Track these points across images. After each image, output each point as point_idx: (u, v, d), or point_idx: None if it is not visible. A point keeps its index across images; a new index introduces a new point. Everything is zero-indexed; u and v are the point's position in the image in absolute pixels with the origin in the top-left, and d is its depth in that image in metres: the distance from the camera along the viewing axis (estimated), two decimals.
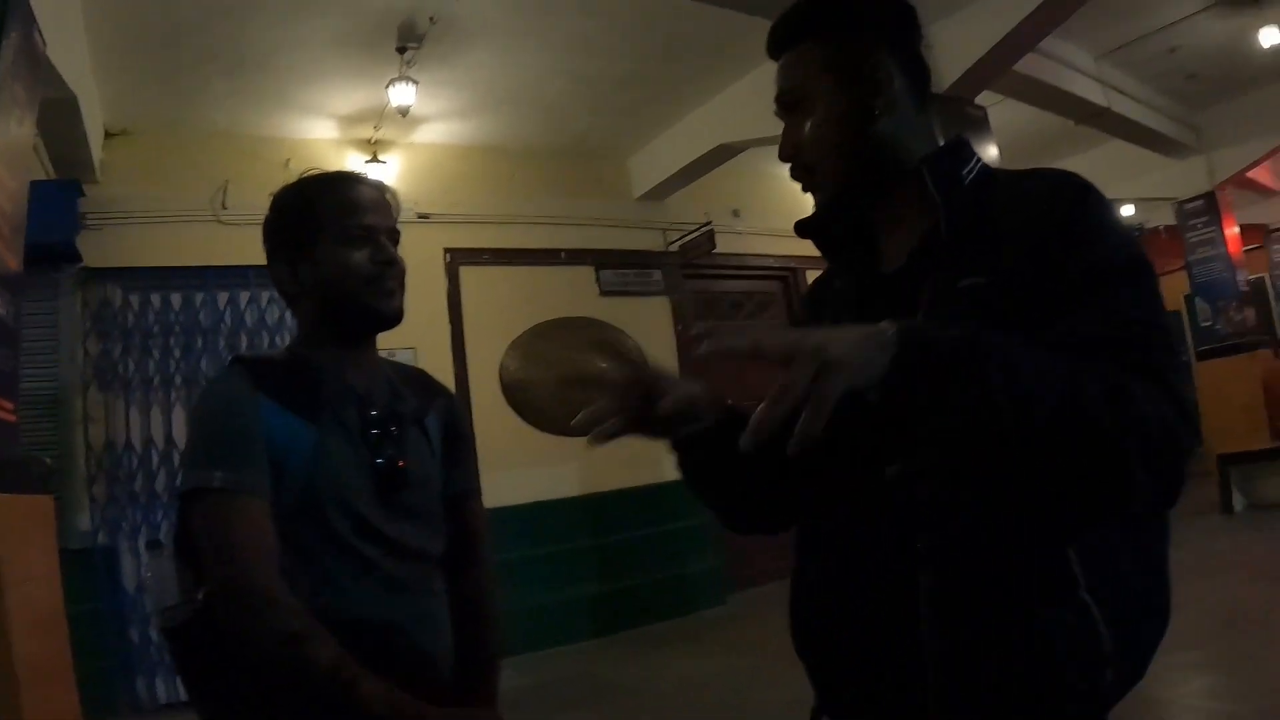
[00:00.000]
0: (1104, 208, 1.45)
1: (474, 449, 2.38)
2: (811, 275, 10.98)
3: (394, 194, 2.13)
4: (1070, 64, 8.67)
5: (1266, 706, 3.72)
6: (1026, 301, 1.37)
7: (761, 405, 1.15)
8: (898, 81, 1.60)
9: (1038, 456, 1.18)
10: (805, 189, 1.66)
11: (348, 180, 2.09)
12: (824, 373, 1.13)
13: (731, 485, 1.81)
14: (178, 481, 2.03)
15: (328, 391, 1.98)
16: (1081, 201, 1.44)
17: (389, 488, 1.97)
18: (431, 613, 2.03)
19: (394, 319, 2.06)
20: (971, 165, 1.60)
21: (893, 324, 1.19)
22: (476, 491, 2.32)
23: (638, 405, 1.65)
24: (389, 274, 2.02)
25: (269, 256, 2.08)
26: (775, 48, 1.66)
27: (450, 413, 2.28)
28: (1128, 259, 1.39)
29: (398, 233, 2.09)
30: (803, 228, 1.75)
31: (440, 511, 2.13)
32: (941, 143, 1.65)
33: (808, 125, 1.59)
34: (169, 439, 7.10)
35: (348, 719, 1.75)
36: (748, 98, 8.22)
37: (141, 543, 6.88)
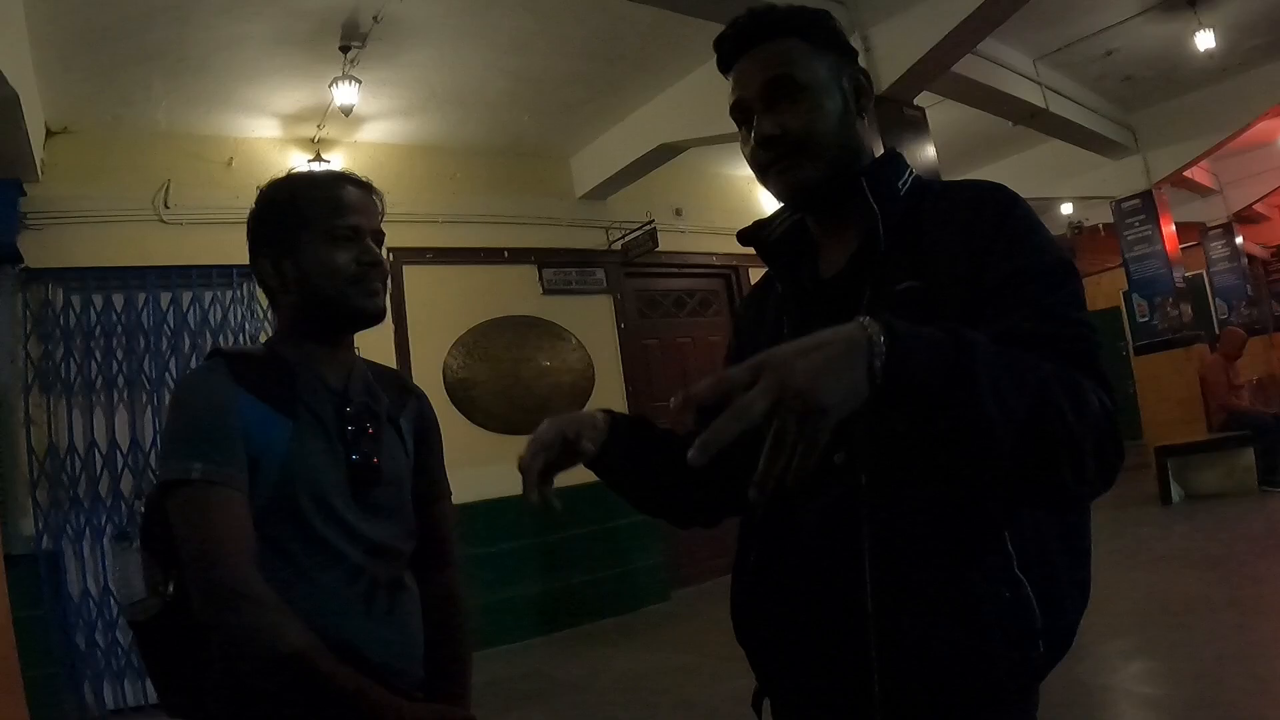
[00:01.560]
0: (1032, 217, 1.56)
1: (442, 450, 2.39)
2: (756, 273, 11.11)
3: (380, 195, 2.16)
4: (1008, 66, 8.79)
5: (1197, 692, 3.83)
6: (960, 304, 1.46)
7: (717, 421, 1.15)
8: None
9: (1009, 454, 1.23)
10: (775, 170, 1.69)
11: (336, 180, 2.11)
12: (809, 420, 1.14)
13: (660, 487, 1.90)
14: (155, 472, 2.04)
15: (304, 387, 2.00)
16: (1011, 211, 1.55)
17: (363, 485, 1.99)
18: (401, 608, 2.05)
19: (376, 317, 2.08)
20: (906, 176, 1.71)
21: (869, 326, 1.20)
22: (447, 493, 2.36)
23: (559, 455, 1.74)
24: (374, 275, 2.05)
25: (252, 251, 2.09)
26: (755, 36, 1.71)
27: (422, 414, 2.31)
28: (1058, 262, 1.50)
29: (382, 234, 2.11)
30: (745, 235, 1.86)
31: (411, 510, 2.16)
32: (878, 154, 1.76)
33: (803, 110, 1.65)
34: (112, 442, 7.01)
35: (319, 709, 1.77)
36: (689, 98, 8.29)
37: (86, 547, 6.79)
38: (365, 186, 2.13)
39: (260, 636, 1.76)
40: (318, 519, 1.91)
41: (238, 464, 1.86)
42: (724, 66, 1.78)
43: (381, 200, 2.15)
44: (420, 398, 2.34)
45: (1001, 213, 1.55)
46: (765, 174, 1.72)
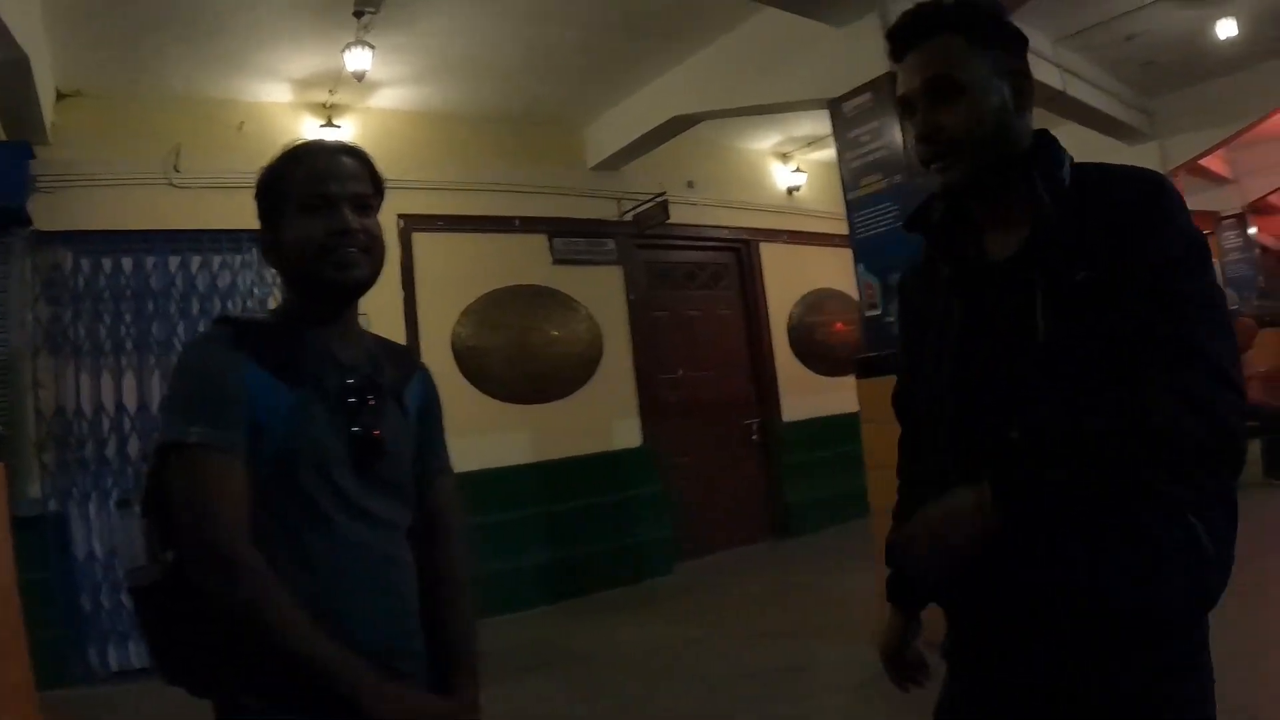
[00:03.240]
0: (1176, 203, 1.72)
1: (443, 425, 2.36)
2: (766, 248, 11.13)
3: (368, 158, 2.10)
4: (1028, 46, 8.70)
5: None
6: (1120, 292, 1.64)
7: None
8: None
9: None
10: (934, 166, 1.83)
11: (320, 148, 2.08)
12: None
13: None
14: (155, 436, 2.02)
15: (310, 357, 1.97)
16: (1157, 201, 1.70)
17: (364, 457, 1.97)
18: (399, 583, 2.03)
19: (351, 290, 2.03)
20: (1066, 164, 1.83)
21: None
22: (450, 468, 2.34)
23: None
24: (344, 243, 1.98)
25: (260, 224, 2.08)
26: (915, 34, 1.84)
27: (427, 389, 2.29)
28: (1189, 247, 1.68)
29: (366, 197, 2.05)
30: (909, 221, 2.07)
31: (412, 485, 2.14)
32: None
33: (961, 111, 1.77)
34: (119, 405, 7.02)
35: (306, 684, 1.76)
36: (704, 70, 8.25)
37: (92, 509, 6.82)
38: (348, 150, 2.09)
39: (249, 605, 1.75)
40: (318, 489, 1.89)
41: (237, 430, 1.83)
42: (895, 58, 1.89)
43: (372, 164, 2.10)
44: (425, 371, 2.32)
45: (1149, 203, 1.69)
46: (926, 168, 1.86)
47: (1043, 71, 8.92)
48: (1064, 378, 1.65)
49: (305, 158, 2.04)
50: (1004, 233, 1.84)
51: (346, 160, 2.06)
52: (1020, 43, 1.87)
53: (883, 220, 6.58)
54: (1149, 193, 1.70)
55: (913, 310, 2.11)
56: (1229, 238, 16.57)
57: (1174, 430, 1.56)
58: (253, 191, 2.07)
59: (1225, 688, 3.30)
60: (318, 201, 1.98)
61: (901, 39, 1.86)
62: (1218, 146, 12.27)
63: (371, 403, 2.02)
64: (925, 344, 1.94)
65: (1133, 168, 1.79)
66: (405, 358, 2.29)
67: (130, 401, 7.05)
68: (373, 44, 6.87)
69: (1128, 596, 1.60)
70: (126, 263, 7.22)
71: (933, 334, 1.92)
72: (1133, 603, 1.60)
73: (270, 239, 2.04)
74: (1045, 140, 1.86)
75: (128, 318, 7.16)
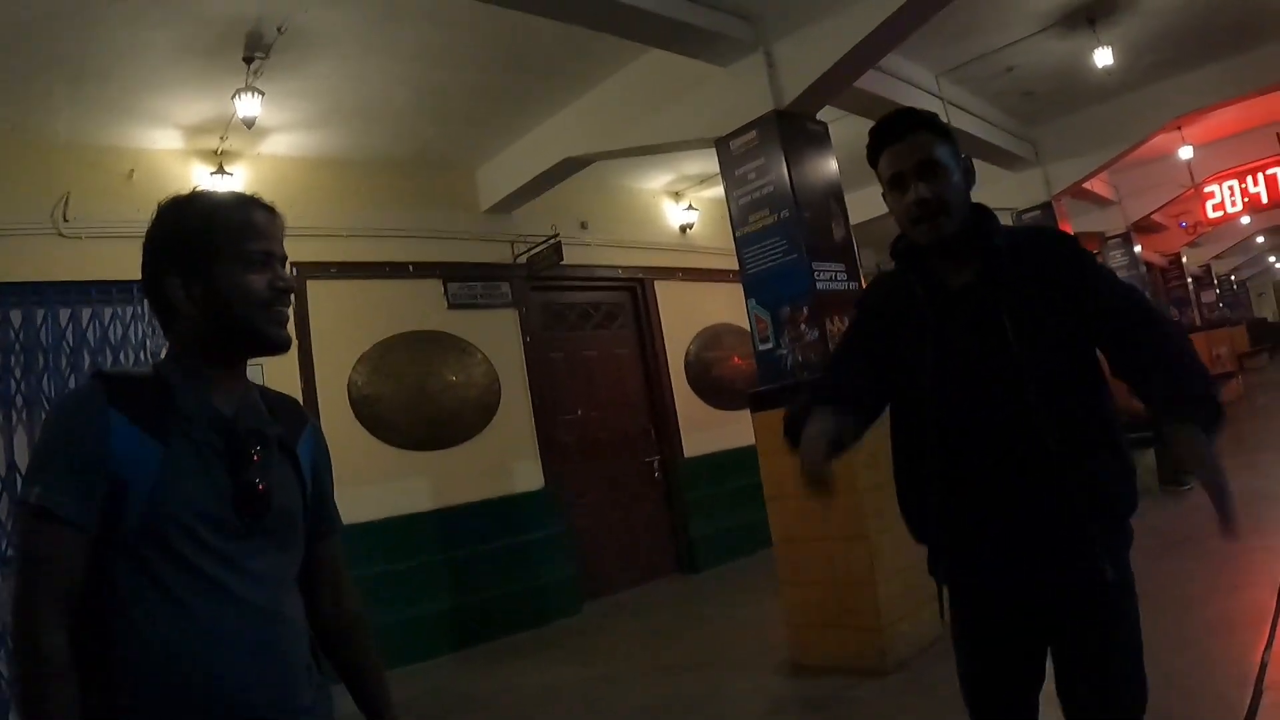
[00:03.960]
0: (1089, 251, 2.67)
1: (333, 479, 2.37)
2: (661, 285, 11.21)
3: (283, 218, 2.13)
4: (911, 81, 8.96)
5: None
6: (1057, 305, 2.49)
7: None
8: None
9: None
10: (928, 223, 2.57)
11: (248, 202, 2.07)
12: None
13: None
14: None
15: (184, 409, 1.94)
16: (1079, 247, 2.66)
17: (247, 510, 1.94)
18: (281, 641, 2.00)
19: (283, 346, 2.06)
20: (997, 223, 2.66)
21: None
22: (340, 528, 2.35)
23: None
24: (284, 301, 2.04)
25: (155, 268, 2.02)
26: (904, 129, 2.61)
27: (319, 442, 2.29)
28: (1110, 272, 2.72)
29: (286, 259, 2.09)
30: (902, 255, 2.76)
31: (300, 540, 2.13)
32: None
33: (942, 183, 2.56)
34: (11, 463, 6.76)
35: None
36: (593, 111, 8.33)
37: None
38: (272, 210, 2.10)
39: (25, 697, 1.73)
40: (187, 546, 1.86)
41: (80, 493, 1.80)
42: (877, 148, 2.67)
43: (283, 223, 2.13)
44: (315, 425, 2.31)
45: (1077, 250, 2.64)
46: (917, 225, 2.59)
47: (926, 104, 9.17)
48: (1029, 371, 2.45)
49: (242, 210, 2.04)
50: (956, 270, 2.64)
51: (278, 219, 2.09)
52: (957, 142, 2.67)
53: (771, 255, 6.70)
54: (1072, 243, 2.67)
55: (886, 317, 2.78)
56: (1115, 256, 17.19)
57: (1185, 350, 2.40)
58: (152, 234, 2.04)
59: None
60: (261, 257, 2.00)
61: (886, 133, 2.63)
62: (1099, 170, 12.77)
63: (256, 456, 1.99)
64: (899, 339, 2.69)
65: (1048, 228, 3.00)
66: (295, 411, 2.27)
67: (22, 459, 6.84)
68: (263, 90, 6.80)
69: (1130, 490, 2.58)
70: (15, 316, 6.97)
71: (912, 339, 2.65)
72: (1128, 496, 2.57)
73: (189, 286, 1.99)
74: (986, 209, 2.68)
75: (17, 372, 6.92)
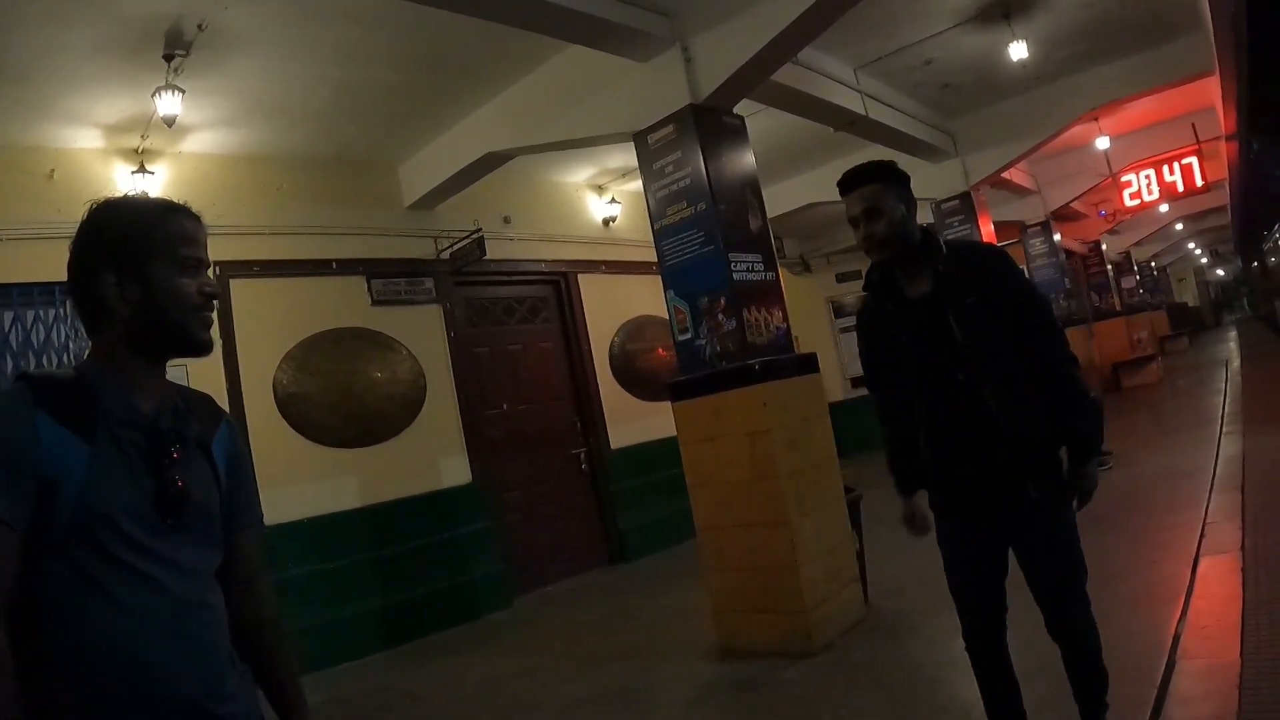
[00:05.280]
0: (1013, 261, 3.71)
1: (254, 474, 2.41)
2: (584, 278, 11.34)
3: (206, 227, 2.18)
4: (829, 74, 9.06)
5: (1030, 662, 4.03)
6: (995, 307, 3.48)
7: None
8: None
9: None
10: (875, 252, 3.61)
11: (180, 209, 2.13)
12: None
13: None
14: None
15: (107, 409, 1.97)
16: (1005, 260, 3.65)
17: (169, 508, 1.98)
18: (207, 630, 2.04)
19: (208, 349, 2.12)
20: (942, 242, 3.64)
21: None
22: (260, 522, 2.39)
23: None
24: (211, 307, 2.10)
25: (88, 263, 2.04)
26: (857, 181, 3.58)
27: (234, 437, 2.32)
28: (1028, 283, 3.73)
29: (210, 265, 2.15)
30: (874, 280, 3.78)
31: (220, 533, 2.16)
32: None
33: (883, 224, 3.52)
34: None
35: None
36: (513, 107, 8.36)
37: None
38: (199, 219, 2.15)
39: None
40: (114, 542, 1.89)
41: (12, 493, 1.82)
42: (843, 193, 3.63)
43: (206, 231, 2.19)
44: (230, 423, 2.34)
45: (1008, 265, 3.62)
46: (869, 253, 3.63)
47: (844, 97, 9.30)
48: (973, 356, 3.48)
49: (175, 216, 2.09)
50: (915, 284, 3.64)
51: (204, 228, 2.15)
52: (908, 180, 3.66)
53: (689, 247, 6.79)
54: (1000, 255, 3.68)
55: (875, 329, 3.83)
56: (1035, 244, 17.74)
57: (1067, 354, 3.56)
58: (86, 230, 2.06)
59: (1054, 661, 3.67)
60: (194, 263, 2.06)
61: (845, 185, 3.61)
62: (1016, 161, 13.04)
63: (175, 454, 2.04)
64: (891, 345, 3.71)
65: (984, 244, 4.19)
66: (209, 407, 2.30)
67: None
68: (183, 88, 6.74)
69: (1093, 429, 3.58)
70: None
71: (892, 340, 3.70)
72: (1093, 432, 3.58)
73: (124, 284, 2.02)
74: (931, 231, 3.67)
75: None
